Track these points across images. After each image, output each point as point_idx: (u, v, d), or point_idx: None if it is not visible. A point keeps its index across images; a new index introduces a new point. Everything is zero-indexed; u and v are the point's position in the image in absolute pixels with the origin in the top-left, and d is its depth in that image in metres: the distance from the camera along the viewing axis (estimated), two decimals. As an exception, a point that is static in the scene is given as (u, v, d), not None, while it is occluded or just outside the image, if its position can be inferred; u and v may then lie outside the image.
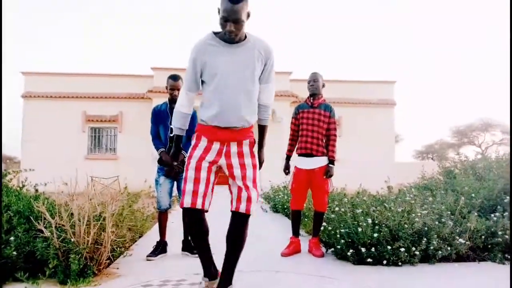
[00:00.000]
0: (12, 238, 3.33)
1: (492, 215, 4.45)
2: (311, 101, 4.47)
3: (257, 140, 2.92)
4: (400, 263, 3.81)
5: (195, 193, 2.59)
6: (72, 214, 3.49)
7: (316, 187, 4.38)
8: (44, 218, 3.43)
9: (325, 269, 3.74)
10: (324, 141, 4.42)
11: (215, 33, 2.64)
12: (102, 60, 70.96)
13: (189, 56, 2.66)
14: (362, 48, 72.41)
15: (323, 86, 4.50)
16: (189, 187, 2.61)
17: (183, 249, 4.34)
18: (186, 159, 2.74)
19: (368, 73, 75.68)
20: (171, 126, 3.27)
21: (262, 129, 2.96)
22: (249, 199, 2.62)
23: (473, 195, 4.88)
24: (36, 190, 4.78)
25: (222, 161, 2.70)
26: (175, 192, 4.39)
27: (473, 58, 67.59)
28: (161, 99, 15.34)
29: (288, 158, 4.60)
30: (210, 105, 2.65)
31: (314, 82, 4.46)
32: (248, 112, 2.69)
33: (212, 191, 2.70)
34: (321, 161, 4.37)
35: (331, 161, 4.38)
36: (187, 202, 2.59)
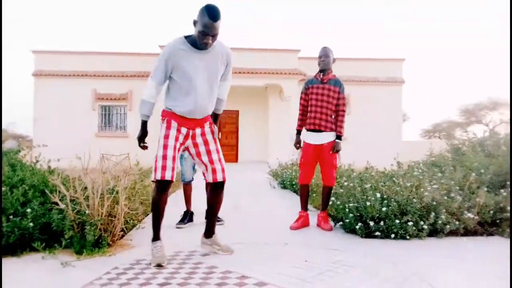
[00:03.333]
0: (28, 210, 3.42)
1: (502, 190, 4.45)
2: (321, 76, 4.45)
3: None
4: (408, 237, 3.85)
5: (164, 167, 3.07)
6: (85, 187, 3.58)
7: (324, 162, 4.41)
8: (59, 191, 3.51)
9: (334, 242, 3.80)
10: (332, 116, 4.43)
11: (186, 37, 3.06)
12: (110, 38, 70.71)
13: (161, 54, 3.07)
14: (371, 25, 71.32)
15: (334, 61, 4.48)
16: (160, 163, 3.08)
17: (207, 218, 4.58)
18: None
19: (376, 51, 74.71)
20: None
21: (216, 116, 3.47)
22: (222, 170, 3.25)
23: (482, 170, 4.88)
24: (49, 166, 4.87)
25: (189, 142, 3.24)
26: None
27: (483, 35, 66.35)
28: (170, 77, 15.28)
29: (298, 133, 4.61)
30: (179, 100, 3.12)
31: (325, 58, 4.41)
32: (210, 107, 3.24)
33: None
34: (330, 136, 4.39)
35: (339, 136, 4.39)
36: (168, 176, 3.07)
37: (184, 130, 3.18)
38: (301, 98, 4.60)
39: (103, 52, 18.03)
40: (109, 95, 17.61)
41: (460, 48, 68.89)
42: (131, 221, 4.06)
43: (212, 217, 3.40)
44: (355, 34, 71.49)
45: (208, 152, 3.24)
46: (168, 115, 3.18)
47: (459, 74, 63.19)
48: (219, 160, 3.26)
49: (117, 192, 3.62)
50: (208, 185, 3.43)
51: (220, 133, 4.01)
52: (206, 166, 3.26)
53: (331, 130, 4.39)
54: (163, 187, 3.10)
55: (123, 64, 17.73)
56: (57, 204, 3.44)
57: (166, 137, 3.14)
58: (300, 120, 4.60)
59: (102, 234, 3.42)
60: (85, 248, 3.27)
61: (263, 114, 18.26)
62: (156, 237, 3.17)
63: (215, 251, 3.33)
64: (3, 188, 3.60)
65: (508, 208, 4.15)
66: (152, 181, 3.16)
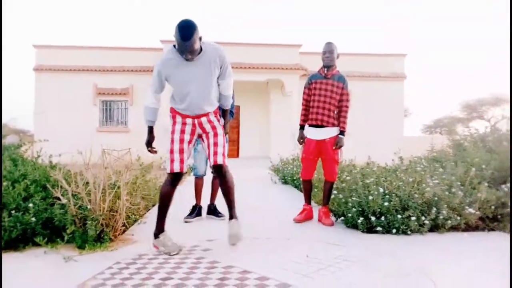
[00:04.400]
0: (30, 205, 3.43)
1: (503, 185, 4.45)
2: (325, 72, 4.44)
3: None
4: (409, 232, 3.85)
5: (182, 161, 3.28)
6: (87, 182, 3.58)
7: (326, 157, 4.41)
8: (61, 186, 3.51)
9: (335, 236, 3.81)
10: (335, 112, 4.42)
11: (176, 46, 3.08)
12: (111, 32, 70.59)
13: (155, 65, 3.25)
14: (373, 21, 71.07)
15: (338, 57, 4.45)
16: (176, 156, 3.27)
17: (208, 213, 4.69)
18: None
19: (378, 46, 74.52)
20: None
21: (224, 111, 3.58)
22: (223, 154, 3.34)
23: (483, 166, 4.88)
24: (51, 162, 4.88)
25: (198, 130, 3.38)
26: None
27: (485, 31, 66.09)
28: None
29: (302, 128, 4.60)
30: (178, 104, 3.29)
31: (330, 54, 4.39)
32: (208, 105, 3.30)
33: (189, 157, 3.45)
34: (331, 131, 4.38)
35: (342, 132, 4.39)
36: (176, 167, 3.26)
37: (189, 120, 3.33)
38: (304, 93, 4.58)
39: (104, 47, 17.97)
40: (110, 90, 17.59)
41: (462, 43, 68.67)
42: (133, 216, 4.07)
43: (227, 202, 3.41)
44: (356, 29, 71.27)
45: (215, 135, 3.38)
46: (173, 111, 3.37)
47: (461, 69, 63.05)
48: (223, 145, 3.38)
49: (118, 187, 3.63)
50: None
51: (229, 127, 4.25)
52: (209, 148, 3.38)
53: (333, 125, 4.38)
54: (173, 179, 3.28)
55: (124, 59, 17.68)
56: (59, 199, 3.45)
57: (172, 132, 3.34)
58: (303, 115, 4.58)
59: (104, 229, 3.43)
60: (87, 243, 3.28)
61: (264, 109, 18.25)
62: (162, 229, 3.33)
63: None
64: (5, 183, 3.61)
65: (510, 203, 4.15)
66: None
